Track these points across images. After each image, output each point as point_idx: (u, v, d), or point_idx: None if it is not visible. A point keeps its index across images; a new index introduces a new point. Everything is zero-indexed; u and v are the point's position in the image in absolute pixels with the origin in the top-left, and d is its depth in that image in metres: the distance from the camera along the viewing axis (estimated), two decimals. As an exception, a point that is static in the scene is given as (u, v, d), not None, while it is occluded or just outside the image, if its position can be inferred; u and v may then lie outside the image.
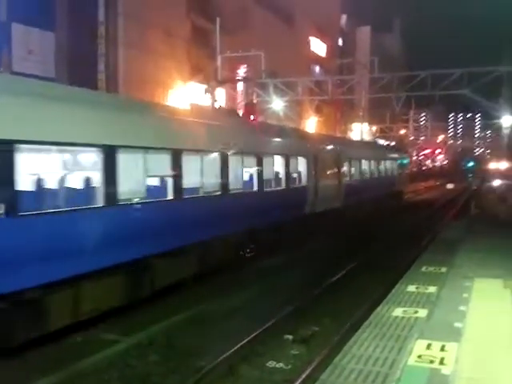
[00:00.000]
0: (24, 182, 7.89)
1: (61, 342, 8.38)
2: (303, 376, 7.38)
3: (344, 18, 66.35)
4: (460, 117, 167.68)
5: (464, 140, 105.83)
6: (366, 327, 7.42)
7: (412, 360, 6.15)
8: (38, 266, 7.67)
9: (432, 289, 9.49)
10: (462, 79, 25.60)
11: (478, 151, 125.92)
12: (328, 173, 20.98)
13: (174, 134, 11.60)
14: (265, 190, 15.22)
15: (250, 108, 25.51)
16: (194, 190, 11.88)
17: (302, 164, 18.15)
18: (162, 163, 10.83)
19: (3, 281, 7.20)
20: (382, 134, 61.79)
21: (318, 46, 56.21)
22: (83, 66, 20.20)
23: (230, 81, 30.51)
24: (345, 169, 23.11)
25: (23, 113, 7.77)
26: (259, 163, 14.89)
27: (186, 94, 29.10)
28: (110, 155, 9.12)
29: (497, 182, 24.95)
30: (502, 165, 31.56)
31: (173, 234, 10.75)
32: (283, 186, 16.53)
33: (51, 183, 8.61)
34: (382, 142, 56.73)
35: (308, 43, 53.52)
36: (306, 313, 10.40)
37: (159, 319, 9.78)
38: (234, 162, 13.45)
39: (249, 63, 33.70)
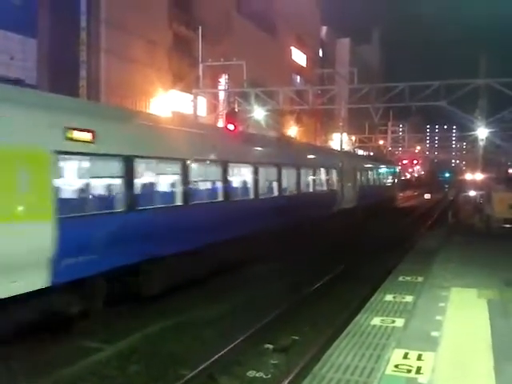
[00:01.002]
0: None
1: (41, 350, 8.34)
2: (283, 385, 7.48)
3: (324, 29, 67.10)
4: (437, 128, 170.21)
5: (441, 151, 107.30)
6: (344, 336, 7.56)
7: (389, 369, 6.28)
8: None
9: (409, 298, 9.68)
10: (439, 91, 26.07)
11: (454, 162, 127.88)
12: (349, 180, 27.03)
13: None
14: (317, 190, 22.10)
15: (231, 117, 25.59)
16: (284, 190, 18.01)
17: (333, 173, 24.35)
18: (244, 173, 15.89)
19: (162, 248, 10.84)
20: (361, 144, 62.40)
21: (299, 57, 56.70)
22: (65, 73, 20.12)
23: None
24: (358, 177, 29.57)
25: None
26: (314, 173, 21.89)
27: (167, 102, 29.12)
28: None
29: (472, 193, 25.40)
30: (477, 176, 32.09)
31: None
32: (325, 188, 23.12)
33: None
34: (361, 152, 57.39)
35: (289, 53, 53.96)
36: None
37: (142, 326, 9.78)
38: (306, 173, 20.90)
39: (230, 72, 33.88)
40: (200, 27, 29.80)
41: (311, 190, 21.09)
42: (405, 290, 10.33)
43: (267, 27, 46.48)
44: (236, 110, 28.84)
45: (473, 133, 32.71)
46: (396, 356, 6.70)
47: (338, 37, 72.88)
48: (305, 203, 19.39)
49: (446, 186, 75.83)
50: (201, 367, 7.97)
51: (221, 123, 30.50)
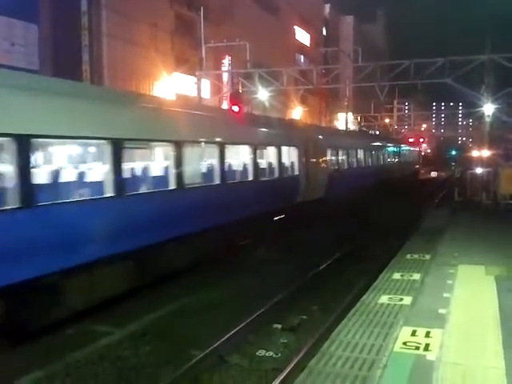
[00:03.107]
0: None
1: (53, 335, 8.44)
2: (292, 364, 7.56)
3: (327, 7, 66.29)
4: (443, 105, 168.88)
5: (447, 129, 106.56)
6: (352, 314, 7.61)
7: (397, 346, 6.33)
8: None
9: (416, 276, 9.71)
10: (444, 68, 25.83)
11: (460, 139, 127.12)
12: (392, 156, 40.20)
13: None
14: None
15: (235, 98, 25.48)
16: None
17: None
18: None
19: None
20: (367, 123, 62.07)
21: (302, 36, 56.14)
22: (67, 58, 20.05)
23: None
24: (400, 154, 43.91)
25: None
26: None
27: (171, 85, 29.00)
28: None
29: (479, 170, 25.27)
30: (484, 153, 31.89)
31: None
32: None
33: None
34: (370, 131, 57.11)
35: (292, 33, 53.44)
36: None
37: (152, 309, 9.87)
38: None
39: (234, 53, 33.65)
40: (202, 8, 29.52)
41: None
42: (412, 268, 10.36)
43: (270, 7, 46.00)
44: (240, 91, 28.74)
45: (479, 109, 32.45)
46: (404, 333, 6.75)
47: (341, 15, 72.05)
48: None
49: (453, 163, 75.45)
50: (211, 347, 8.06)
51: (225, 105, 30.40)
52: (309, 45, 57.20)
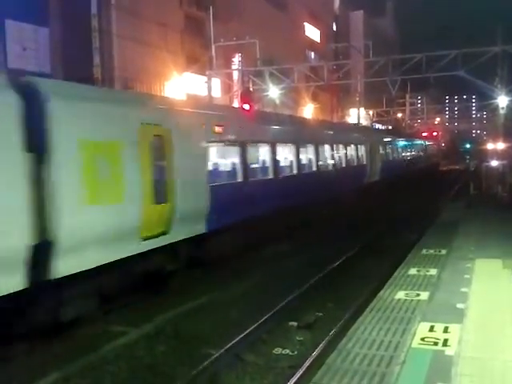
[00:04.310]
0: None
1: (68, 335, 8.47)
2: (309, 362, 7.50)
3: (337, 2, 65.94)
4: (456, 99, 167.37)
5: (461, 122, 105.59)
6: (369, 311, 7.54)
7: (415, 342, 6.26)
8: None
9: (433, 271, 9.62)
10: (456, 60, 25.56)
11: (475, 132, 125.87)
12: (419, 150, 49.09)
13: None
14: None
15: (246, 96, 25.43)
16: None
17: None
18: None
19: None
20: (379, 118, 61.70)
21: (312, 32, 55.92)
22: (78, 61, 20.12)
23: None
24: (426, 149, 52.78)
25: None
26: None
27: (181, 85, 29.04)
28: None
29: (494, 163, 24.98)
30: (499, 145, 31.55)
31: None
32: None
33: None
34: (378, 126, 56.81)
35: (302, 29, 53.24)
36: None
37: (166, 309, 9.87)
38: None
39: (244, 51, 33.59)
40: (211, 7, 29.50)
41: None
42: (429, 263, 10.27)
43: (279, 3, 45.85)
44: (251, 89, 28.69)
45: (493, 101, 32.10)
46: (422, 329, 6.67)
47: (351, 9, 71.64)
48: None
49: (468, 156, 74.80)
50: (226, 346, 8.03)
51: (236, 103, 30.37)
52: (319, 41, 56.95)
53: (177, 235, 10.37)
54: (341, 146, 22.31)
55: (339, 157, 22.02)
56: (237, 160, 13.58)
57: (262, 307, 9.62)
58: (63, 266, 7.67)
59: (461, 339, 6.26)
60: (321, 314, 9.81)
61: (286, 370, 7.56)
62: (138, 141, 9.33)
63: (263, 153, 15.49)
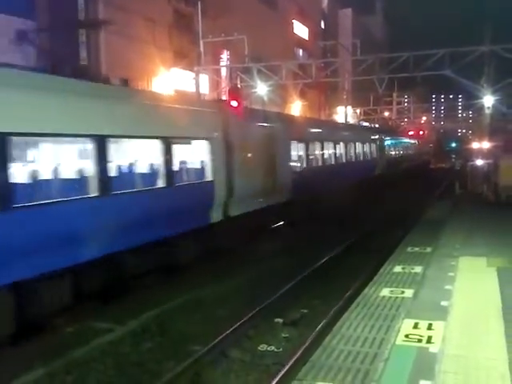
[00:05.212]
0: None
1: (54, 332, 8.42)
2: (294, 358, 7.54)
3: (325, 0, 65.99)
4: (443, 98, 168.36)
5: (447, 121, 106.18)
6: (354, 308, 7.58)
7: (400, 339, 6.30)
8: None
9: (418, 268, 9.67)
10: (443, 60, 25.68)
11: (460, 131, 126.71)
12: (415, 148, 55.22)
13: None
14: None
15: (234, 93, 25.33)
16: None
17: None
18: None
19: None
20: (366, 116, 61.91)
21: (301, 30, 55.90)
22: (65, 55, 19.91)
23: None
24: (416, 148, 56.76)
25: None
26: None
27: (169, 81, 28.89)
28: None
29: (479, 162, 25.18)
30: (484, 144, 31.82)
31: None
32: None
33: None
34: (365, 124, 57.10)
35: (291, 26, 53.19)
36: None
37: (151, 306, 9.85)
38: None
39: (232, 48, 33.50)
40: (199, 2, 29.35)
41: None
42: (414, 261, 10.33)
43: (268, 0, 45.77)
44: (239, 86, 28.61)
45: (479, 101, 32.32)
46: (406, 326, 6.72)
47: (339, 7, 71.72)
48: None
49: (453, 155, 75.34)
50: (212, 343, 8.04)
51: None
52: (307, 38, 56.94)
53: (275, 200, 16.02)
54: (359, 144, 28.19)
55: (359, 152, 28.22)
56: (302, 153, 19.66)
57: (249, 304, 9.64)
58: (234, 210, 13.30)
59: (445, 336, 6.32)
60: (306, 310, 9.85)
61: (271, 366, 7.58)
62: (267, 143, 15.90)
63: (318, 148, 21.38)
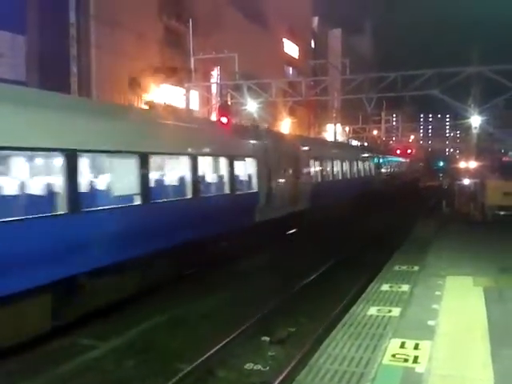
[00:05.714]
0: None
1: (37, 349, 8.29)
2: (280, 378, 7.47)
3: (316, 20, 66.77)
4: (430, 117, 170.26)
5: (435, 140, 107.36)
6: (341, 327, 7.55)
7: (386, 359, 6.28)
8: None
9: (405, 287, 9.69)
10: (432, 80, 26.00)
11: (448, 151, 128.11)
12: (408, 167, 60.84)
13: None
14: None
15: (223, 110, 25.46)
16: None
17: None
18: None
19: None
20: (355, 134, 62.33)
21: (291, 48, 56.42)
22: (55, 69, 19.92)
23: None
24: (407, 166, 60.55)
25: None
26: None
27: (160, 97, 28.94)
28: None
29: (466, 181, 25.42)
30: (471, 164, 32.14)
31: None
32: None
33: None
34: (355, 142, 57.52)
35: (281, 45, 53.68)
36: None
37: (135, 323, 9.73)
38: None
39: (222, 65, 33.70)
40: (190, 20, 29.56)
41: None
42: (401, 280, 10.34)
43: (259, 19, 46.19)
44: (229, 102, 28.75)
45: (466, 121, 32.68)
46: (393, 346, 6.70)
47: (329, 27, 72.54)
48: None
49: (441, 174, 75.97)
50: (198, 361, 7.95)
51: (214, 116, 30.40)
52: (297, 57, 57.46)
53: (298, 207, 19.22)
54: (360, 162, 32.18)
55: (360, 169, 31.95)
56: (318, 169, 23.17)
57: (234, 322, 9.57)
58: (267, 215, 16.11)
59: (431, 356, 6.30)
60: (293, 329, 9.78)
61: (258, 385, 7.52)
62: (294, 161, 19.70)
63: (329, 163, 25.17)
